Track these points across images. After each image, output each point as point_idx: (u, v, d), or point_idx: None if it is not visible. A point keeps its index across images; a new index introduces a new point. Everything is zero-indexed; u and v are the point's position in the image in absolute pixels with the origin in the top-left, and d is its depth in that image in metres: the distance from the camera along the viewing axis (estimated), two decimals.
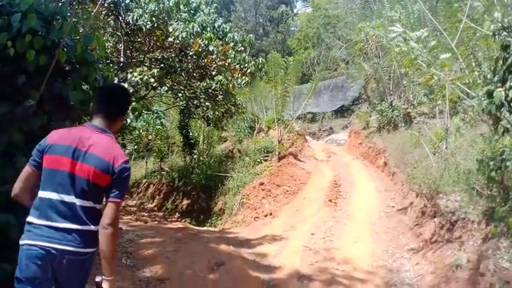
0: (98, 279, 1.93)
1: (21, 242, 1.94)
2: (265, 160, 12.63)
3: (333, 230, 6.78)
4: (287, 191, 9.14)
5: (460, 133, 9.42)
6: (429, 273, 4.85)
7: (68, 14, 3.87)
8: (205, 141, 16.53)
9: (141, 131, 15.49)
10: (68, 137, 2.02)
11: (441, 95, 9.21)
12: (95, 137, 2.02)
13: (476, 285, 3.90)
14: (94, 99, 2.33)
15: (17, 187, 2.05)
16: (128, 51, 10.14)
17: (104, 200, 2.04)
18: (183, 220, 11.40)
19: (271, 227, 7.03)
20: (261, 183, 9.40)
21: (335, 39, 23.54)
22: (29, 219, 1.96)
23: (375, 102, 18.64)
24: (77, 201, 1.94)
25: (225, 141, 19.00)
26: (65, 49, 3.73)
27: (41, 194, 1.97)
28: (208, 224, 10.06)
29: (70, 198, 1.93)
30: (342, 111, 28.54)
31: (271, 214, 7.78)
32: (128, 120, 8.12)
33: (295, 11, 43.60)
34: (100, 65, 4.59)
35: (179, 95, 10.62)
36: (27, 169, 2.07)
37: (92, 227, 1.97)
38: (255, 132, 16.68)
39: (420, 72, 14.18)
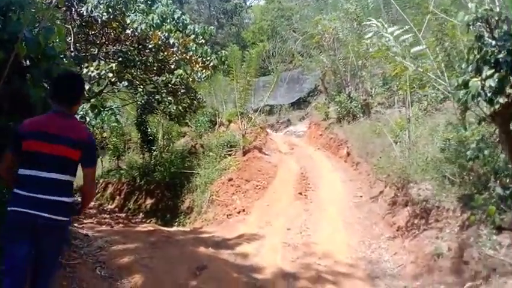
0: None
1: (8, 208, 2.36)
2: (230, 155, 12.40)
3: (308, 224, 6.74)
4: (257, 185, 9.00)
5: (419, 122, 9.69)
6: (410, 263, 4.91)
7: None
8: (165, 137, 16.03)
9: (95, 128, 14.71)
10: (39, 124, 2.45)
11: (403, 85, 9.43)
12: (62, 121, 2.45)
13: (461, 274, 3.97)
14: (52, 88, 2.69)
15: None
16: (78, 45, 9.50)
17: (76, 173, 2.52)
18: (148, 220, 10.93)
19: (246, 224, 6.86)
20: (230, 179, 9.18)
21: (291, 32, 23.60)
22: (15, 190, 2.39)
23: (333, 93, 18.97)
24: (55, 176, 2.39)
25: (183, 137, 18.56)
26: (23, 43, 3.34)
27: (22, 171, 2.41)
28: (176, 224, 9.70)
29: (49, 175, 2.37)
30: (298, 103, 28.78)
31: (243, 210, 7.60)
32: (88, 119, 7.58)
33: (248, 3, 43.29)
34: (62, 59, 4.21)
35: (139, 90, 10.11)
36: (7, 154, 2.50)
37: (65, 199, 2.43)
38: (217, 126, 16.38)
39: (378, 63, 14.62)
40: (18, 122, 3.51)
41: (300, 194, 8.72)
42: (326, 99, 20.47)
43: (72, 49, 9.29)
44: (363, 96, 14.65)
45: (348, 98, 15.50)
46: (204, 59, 9.89)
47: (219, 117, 17.43)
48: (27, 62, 3.70)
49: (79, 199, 2.66)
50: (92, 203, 14.76)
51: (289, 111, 28.35)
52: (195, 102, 10.89)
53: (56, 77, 2.87)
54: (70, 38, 9.42)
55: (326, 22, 16.62)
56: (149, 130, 15.59)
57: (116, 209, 13.38)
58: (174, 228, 7.94)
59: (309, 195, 8.78)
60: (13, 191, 2.40)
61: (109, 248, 4.92)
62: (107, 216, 11.01)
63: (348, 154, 12.56)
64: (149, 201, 12.30)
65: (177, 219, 9.97)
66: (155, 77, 10.63)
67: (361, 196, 8.77)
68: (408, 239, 5.51)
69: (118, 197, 14.37)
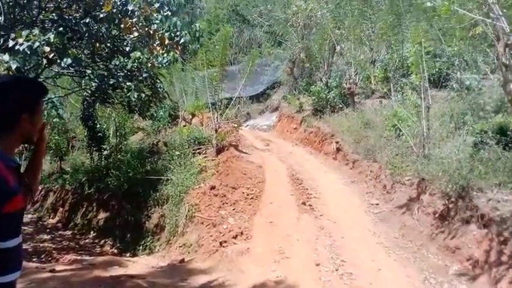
0: None
1: None
2: (199, 153, 10.34)
3: (339, 253, 4.88)
4: (247, 194, 7.01)
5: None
6: None
7: None
8: (117, 134, 13.55)
9: None
10: None
11: (415, 69, 7.91)
12: None
13: None
14: None
15: None
16: (8, 10, 6.99)
17: None
18: (102, 241, 8.55)
19: (253, 259, 4.82)
20: (212, 187, 7.11)
21: (256, 17, 21.52)
22: None
23: (302, 84, 17.47)
24: None
25: (136, 133, 16.17)
26: None
27: None
28: (141, 248, 7.43)
29: None
30: (257, 96, 27.23)
31: (242, 233, 5.58)
32: None
33: None
34: None
35: (88, 72, 7.71)
36: None
37: None
38: (180, 120, 14.16)
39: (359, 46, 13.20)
40: None
41: (304, 204, 6.88)
42: (295, 90, 18.90)
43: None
44: (347, 85, 13.08)
45: (325, 87, 13.95)
46: (173, 34, 7.73)
47: (180, 111, 15.22)
48: None
49: None
50: (29, 216, 12.05)
51: (248, 105, 26.64)
52: (160, 90, 8.68)
53: None
54: None
55: (300, 2, 14.90)
56: (98, 125, 13.06)
57: (60, 225, 10.75)
58: (143, 260, 5.75)
59: (314, 204, 6.96)
60: None
61: None
62: (47, 237, 8.48)
63: (338, 150, 10.92)
64: (102, 215, 9.81)
65: (142, 242, 7.67)
66: (106, 62, 8.33)
67: (377, 204, 7.11)
68: (504, 278, 3.82)
69: (61, 209, 11.68)
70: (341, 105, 13.25)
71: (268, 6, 20.03)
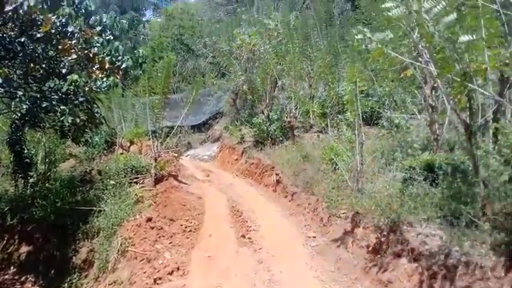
0: None
1: None
2: (136, 183, 9.95)
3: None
4: (185, 227, 6.79)
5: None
6: None
7: None
8: (46, 160, 12.69)
9: None
10: None
11: (350, 106, 8.33)
12: None
13: None
14: None
15: None
16: None
17: None
18: (23, 277, 7.74)
19: None
20: (149, 219, 6.81)
21: (201, 47, 21.75)
22: None
23: (245, 115, 17.73)
24: None
25: (67, 160, 15.29)
26: None
27: None
28: (66, 286, 6.81)
29: None
30: (198, 126, 27.18)
31: (178, 269, 5.32)
32: None
33: (145, 18, 40.62)
34: None
35: (19, 93, 7.22)
36: None
37: None
38: (117, 148, 13.61)
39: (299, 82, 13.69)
40: None
41: (243, 237, 6.82)
42: (237, 121, 19.07)
43: None
44: (288, 118, 13.45)
45: (267, 119, 14.24)
46: (114, 59, 7.53)
47: (118, 138, 14.66)
48: None
49: None
50: None
51: (189, 134, 26.43)
52: (97, 115, 8.33)
53: None
54: None
55: (244, 37, 15.34)
56: (25, 151, 12.13)
57: None
58: None
59: (253, 237, 6.92)
60: None
61: None
62: None
63: (278, 182, 11.05)
64: (24, 249, 8.90)
65: (68, 279, 7.06)
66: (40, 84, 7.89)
67: (314, 237, 7.21)
68: None
69: None
70: (281, 138, 13.50)
71: (213, 37, 20.38)
